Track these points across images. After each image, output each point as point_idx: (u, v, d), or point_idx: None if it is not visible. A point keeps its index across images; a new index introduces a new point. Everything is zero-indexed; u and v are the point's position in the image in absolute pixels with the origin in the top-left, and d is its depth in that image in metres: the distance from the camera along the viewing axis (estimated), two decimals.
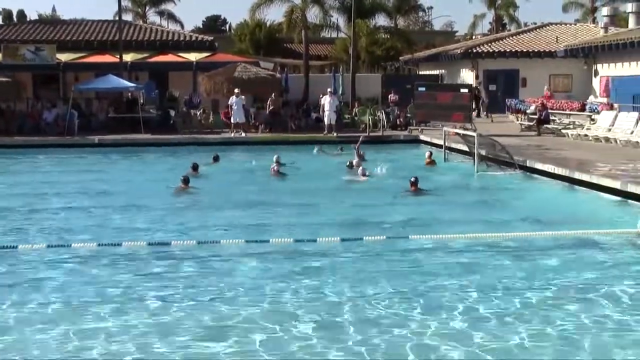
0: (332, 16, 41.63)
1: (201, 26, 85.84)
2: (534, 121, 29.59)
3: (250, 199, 16.56)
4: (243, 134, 29.34)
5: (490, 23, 66.80)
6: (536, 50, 40.85)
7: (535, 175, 19.17)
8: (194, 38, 40.22)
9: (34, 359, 7.47)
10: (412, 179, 16.84)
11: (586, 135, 25.70)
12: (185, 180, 17.33)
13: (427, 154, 22.54)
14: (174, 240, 12.10)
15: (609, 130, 25.06)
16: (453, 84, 39.00)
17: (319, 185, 18.53)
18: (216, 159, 22.44)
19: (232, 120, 29.69)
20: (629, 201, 15.17)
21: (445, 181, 19.31)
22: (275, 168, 19.89)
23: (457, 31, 78.08)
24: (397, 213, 14.93)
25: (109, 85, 31.06)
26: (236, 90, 29.48)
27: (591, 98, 33.01)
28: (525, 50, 41.09)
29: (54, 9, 74.89)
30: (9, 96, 31.46)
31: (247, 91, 30.96)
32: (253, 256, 11.32)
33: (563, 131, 27.41)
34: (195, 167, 19.75)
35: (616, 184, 15.85)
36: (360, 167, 19.67)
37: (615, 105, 28.33)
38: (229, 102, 29.74)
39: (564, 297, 9.22)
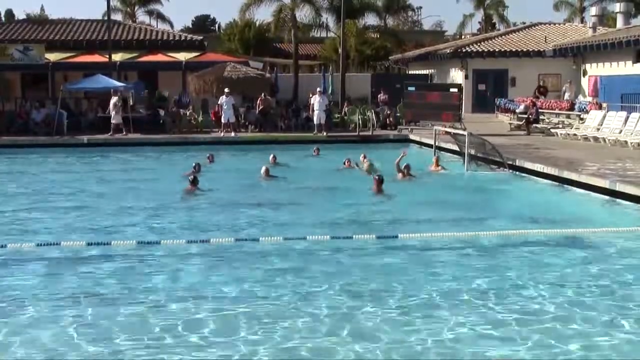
0: (321, 15, 41.72)
1: (190, 26, 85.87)
2: (524, 120, 29.71)
3: (249, 198, 16.62)
4: (232, 134, 29.30)
5: (479, 22, 66.94)
6: (525, 50, 40.98)
7: (525, 175, 19.24)
8: (183, 38, 40.18)
9: (25, 358, 7.45)
10: (376, 177, 16.89)
11: (575, 134, 25.81)
12: (194, 181, 16.92)
13: (434, 159, 21.55)
14: (164, 240, 12.07)
15: (598, 129, 25.17)
16: (442, 84, 39.10)
17: (311, 185, 18.59)
18: (210, 159, 22.34)
19: (222, 120, 29.65)
20: (617, 200, 15.25)
21: (435, 180, 19.36)
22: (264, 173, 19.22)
23: (446, 31, 78.31)
24: (386, 212, 14.98)
25: (98, 85, 30.95)
26: (226, 90, 29.44)
27: (580, 97, 33.11)
28: (514, 50, 41.22)
29: (42, 9, 74.34)
30: None
31: (236, 91, 30.91)
32: (243, 254, 11.35)
33: (552, 130, 27.53)
34: (197, 168, 19.57)
35: (605, 183, 15.92)
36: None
37: (604, 105, 28.45)
38: (219, 102, 29.69)
39: (554, 295, 9.26)
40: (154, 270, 10.55)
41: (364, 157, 21.23)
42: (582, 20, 52.00)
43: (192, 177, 17.23)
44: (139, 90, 34.17)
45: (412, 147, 27.71)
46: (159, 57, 36.15)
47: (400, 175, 18.51)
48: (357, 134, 29.77)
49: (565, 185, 17.34)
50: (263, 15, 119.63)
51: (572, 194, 16.70)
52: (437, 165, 20.82)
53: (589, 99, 31.83)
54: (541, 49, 39.88)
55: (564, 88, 35.70)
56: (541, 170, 18.68)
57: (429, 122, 28.34)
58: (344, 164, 20.86)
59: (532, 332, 7.93)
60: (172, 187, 17.81)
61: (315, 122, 30.05)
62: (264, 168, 19.32)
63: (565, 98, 31.76)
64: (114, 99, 29.64)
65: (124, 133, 29.16)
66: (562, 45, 36.93)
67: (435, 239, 12.23)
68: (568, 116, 29.52)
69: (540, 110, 30.18)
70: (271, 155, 21.49)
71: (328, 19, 42.66)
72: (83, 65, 35.00)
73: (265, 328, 8.09)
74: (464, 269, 10.50)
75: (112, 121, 29.39)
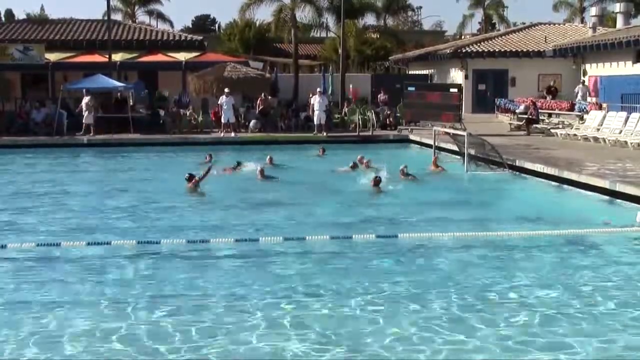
0: (322, 15, 41.69)
1: (190, 26, 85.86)
2: (524, 121, 29.70)
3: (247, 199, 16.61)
4: (232, 134, 29.30)
5: (479, 23, 66.98)
6: (525, 50, 40.99)
7: (525, 175, 19.24)
8: (183, 37, 40.18)
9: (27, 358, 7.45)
10: (377, 178, 17.10)
11: (575, 134, 25.80)
12: (190, 178, 17.05)
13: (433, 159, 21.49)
14: (164, 240, 12.07)
15: (598, 129, 25.16)
16: (442, 84, 39.10)
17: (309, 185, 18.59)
18: (209, 159, 22.23)
19: (222, 120, 29.66)
20: (617, 200, 15.25)
21: (435, 180, 19.37)
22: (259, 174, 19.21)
23: (446, 31, 78.38)
24: (387, 211, 14.98)
25: (98, 84, 30.95)
26: (226, 90, 29.45)
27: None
28: (514, 50, 41.23)
29: (42, 9, 74.49)
30: None
31: (236, 91, 30.90)
32: (244, 254, 11.36)
33: (552, 131, 27.52)
34: (209, 158, 19.80)
35: (605, 183, 15.92)
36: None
37: (604, 105, 28.42)
38: (219, 102, 29.69)
39: (553, 295, 9.27)
40: (154, 270, 10.56)
41: (362, 158, 21.16)
42: (582, 21, 52.01)
43: (187, 175, 17.31)
44: (139, 90, 34.15)
45: (412, 147, 27.78)
46: (159, 57, 36.17)
47: (401, 175, 18.63)
48: (357, 134, 29.78)
49: (565, 186, 17.33)
50: (263, 15, 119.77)
51: (572, 194, 16.70)
52: (436, 165, 20.79)
53: (590, 99, 31.80)
54: (541, 49, 39.89)
55: (576, 89, 35.49)
56: (541, 171, 18.68)
57: (428, 122, 28.33)
58: (351, 167, 20.77)
59: (532, 332, 7.94)
60: (172, 187, 17.82)
61: (315, 123, 30.06)
62: (258, 168, 19.30)
63: (578, 99, 31.51)
64: (85, 99, 29.50)
65: (91, 134, 29.01)
66: (562, 45, 36.92)
67: (435, 239, 12.24)
68: (578, 117, 29.39)
69: (540, 111, 30.16)
70: (268, 157, 21.41)
71: (328, 19, 42.70)
72: (83, 65, 35.01)
73: (265, 328, 8.10)
74: (464, 269, 10.50)
75: (84, 121, 29.25)
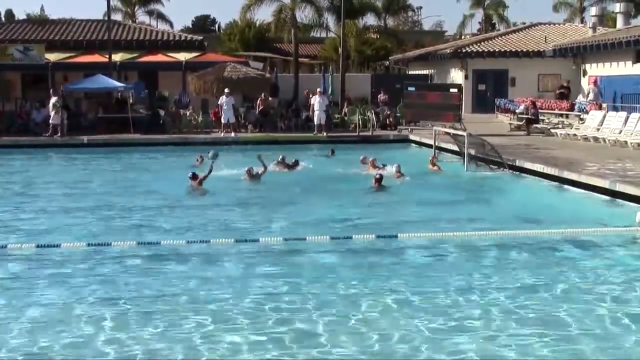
0: (322, 16, 41.68)
1: (190, 26, 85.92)
2: (524, 121, 29.70)
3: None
4: (233, 134, 29.30)
5: (479, 23, 67.00)
6: (525, 50, 40.99)
7: (525, 175, 19.25)
8: (183, 38, 40.19)
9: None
10: (377, 176, 17.24)
11: (575, 134, 25.81)
12: (194, 177, 17.27)
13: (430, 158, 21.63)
14: (164, 240, 12.06)
15: (598, 129, 25.17)
16: (442, 84, 39.09)
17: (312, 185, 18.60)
18: (200, 160, 22.10)
19: (222, 120, 29.67)
20: (617, 200, 15.25)
21: (435, 181, 19.38)
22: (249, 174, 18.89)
23: (446, 31, 78.40)
24: (385, 212, 14.99)
25: (98, 85, 30.96)
26: (226, 90, 29.45)
27: (580, 97, 33.08)
28: (514, 50, 41.23)
29: (42, 9, 74.55)
30: None
31: (236, 91, 30.90)
32: (245, 254, 11.36)
33: (552, 131, 27.53)
34: (200, 160, 20.03)
35: (605, 183, 15.92)
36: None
37: (604, 105, 28.43)
38: (219, 102, 29.70)
39: (553, 295, 9.27)
40: (154, 270, 10.57)
41: (365, 158, 21.13)
42: (582, 21, 52.00)
43: (190, 174, 17.44)
44: (139, 91, 34.13)
45: (413, 147, 27.79)
46: (159, 57, 36.19)
47: (395, 175, 18.75)
48: (357, 134, 29.79)
49: (565, 186, 17.34)
50: (263, 15, 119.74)
51: (572, 194, 16.70)
52: (434, 165, 20.85)
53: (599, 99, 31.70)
54: (541, 49, 39.88)
55: (588, 89, 35.37)
56: (541, 171, 18.68)
57: (428, 122, 28.33)
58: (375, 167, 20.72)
59: (531, 332, 7.94)
60: (172, 187, 17.81)
61: (315, 123, 30.06)
62: (245, 169, 18.98)
63: (589, 98, 31.36)
64: (52, 100, 29.28)
65: (59, 134, 28.80)
66: (562, 45, 36.92)
67: (435, 239, 12.24)
68: (567, 116, 29.49)
69: (540, 111, 30.17)
70: (280, 157, 21.21)
71: (328, 19, 42.68)
72: (83, 66, 35.03)
73: (266, 329, 8.11)
74: (463, 269, 10.50)
75: (50, 122, 29.01)
